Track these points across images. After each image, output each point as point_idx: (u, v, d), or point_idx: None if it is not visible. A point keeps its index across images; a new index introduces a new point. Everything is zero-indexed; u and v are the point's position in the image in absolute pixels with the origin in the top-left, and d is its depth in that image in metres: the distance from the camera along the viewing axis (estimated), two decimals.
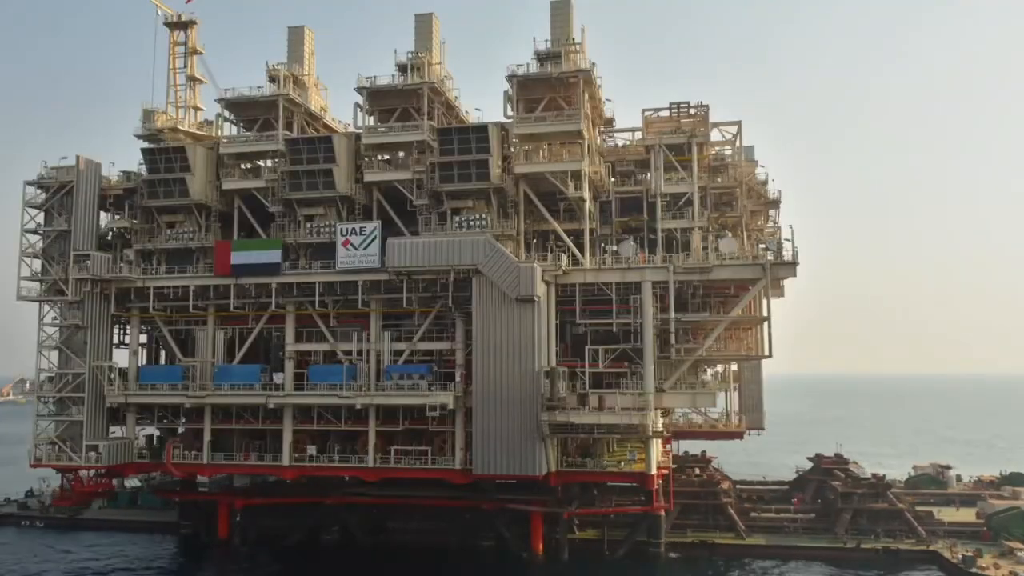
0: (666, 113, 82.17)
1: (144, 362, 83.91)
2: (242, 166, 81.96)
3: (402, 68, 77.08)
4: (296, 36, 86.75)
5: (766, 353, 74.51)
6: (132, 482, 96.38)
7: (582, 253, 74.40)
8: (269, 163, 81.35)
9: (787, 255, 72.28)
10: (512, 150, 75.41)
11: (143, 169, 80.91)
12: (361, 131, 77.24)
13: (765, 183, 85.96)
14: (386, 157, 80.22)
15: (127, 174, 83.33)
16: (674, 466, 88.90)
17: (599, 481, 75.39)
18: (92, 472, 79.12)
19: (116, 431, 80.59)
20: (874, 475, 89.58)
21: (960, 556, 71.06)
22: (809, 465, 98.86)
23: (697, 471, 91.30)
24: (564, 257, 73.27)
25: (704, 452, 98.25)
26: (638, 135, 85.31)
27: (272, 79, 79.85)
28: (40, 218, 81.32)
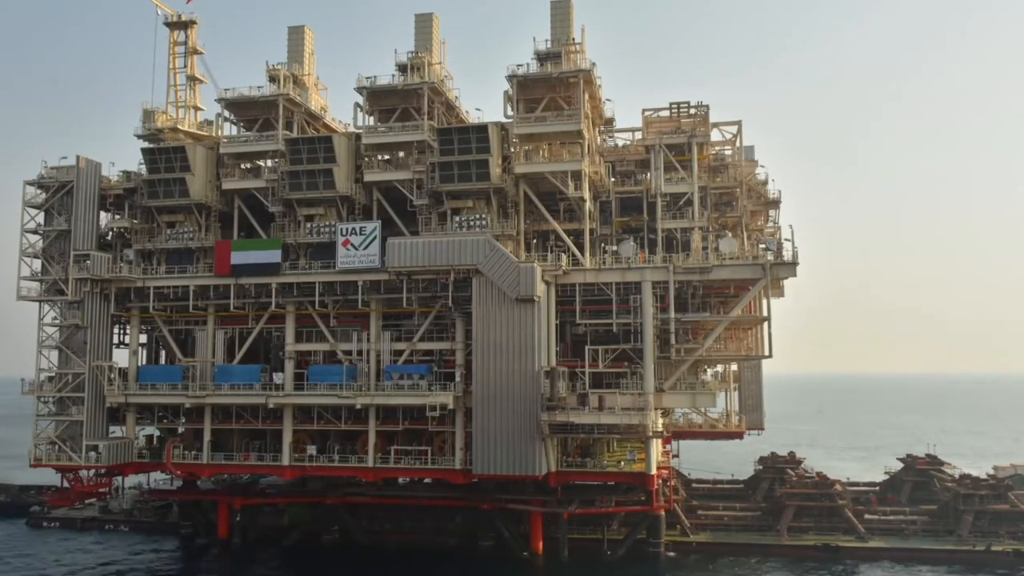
0: (666, 113, 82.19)
1: (144, 362, 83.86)
2: (242, 166, 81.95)
3: (402, 68, 77.05)
4: (296, 36, 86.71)
5: (766, 353, 74.47)
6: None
7: (582, 253, 74.40)
8: (269, 163, 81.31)
9: (787, 255, 72.26)
10: (512, 150, 75.39)
11: (143, 169, 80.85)
12: (361, 131, 77.21)
13: (765, 183, 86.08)
14: (386, 157, 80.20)
15: (127, 174, 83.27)
16: (759, 467, 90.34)
17: (599, 481, 75.37)
18: (92, 472, 79.09)
19: (116, 431, 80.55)
20: (965, 476, 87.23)
21: None
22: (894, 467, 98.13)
23: (806, 473, 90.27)
24: (564, 257, 73.26)
25: (792, 453, 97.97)
26: (638, 135, 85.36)
27: (272, 79, 79.81)
28: (40, 218, 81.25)
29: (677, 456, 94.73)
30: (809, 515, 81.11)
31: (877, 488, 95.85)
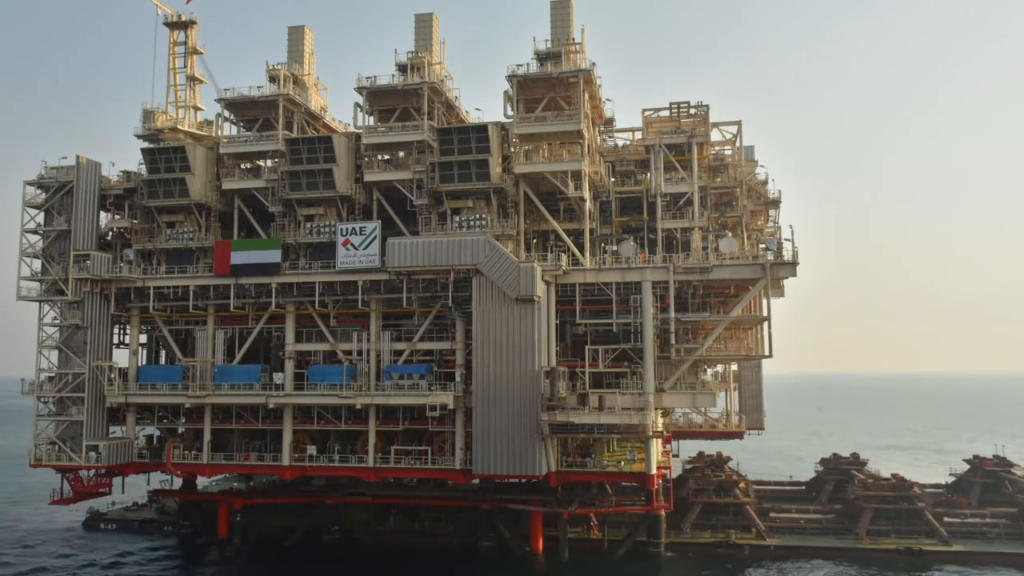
0: (666, 113, 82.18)
1: (144, 362, 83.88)
2: (242, 166, 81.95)
3: (402, 68, 77.05)
4: (296, 36, 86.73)
5: (766, 353, 74.46)
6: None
7: (582, 253, 74.39)
8: (269, 163, 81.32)
9: (787, 255, 72.27)
10: (512, 150, 75.40)
11: (143, 169, 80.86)
12: (361, 131, 77.21)
13: (765, 183, 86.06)
14: (386, 157, 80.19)
15: (127, 174, 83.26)
16: (820, 468, 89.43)
17: (599, 481, 75.42)
18: (92, 472, 79.07)
19: (116, 431, 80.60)
20: None
21: None
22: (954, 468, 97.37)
23: (876, 474, 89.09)
24: (564, 257, 73.26)
25: (856, 454, 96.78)
26: (638, 135, 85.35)
27: (272, 79, 79.83)
28: (40, 218, 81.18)
29: (731, 458, 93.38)
30: (886, 517, 79.23)
31: (943, 490, 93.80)
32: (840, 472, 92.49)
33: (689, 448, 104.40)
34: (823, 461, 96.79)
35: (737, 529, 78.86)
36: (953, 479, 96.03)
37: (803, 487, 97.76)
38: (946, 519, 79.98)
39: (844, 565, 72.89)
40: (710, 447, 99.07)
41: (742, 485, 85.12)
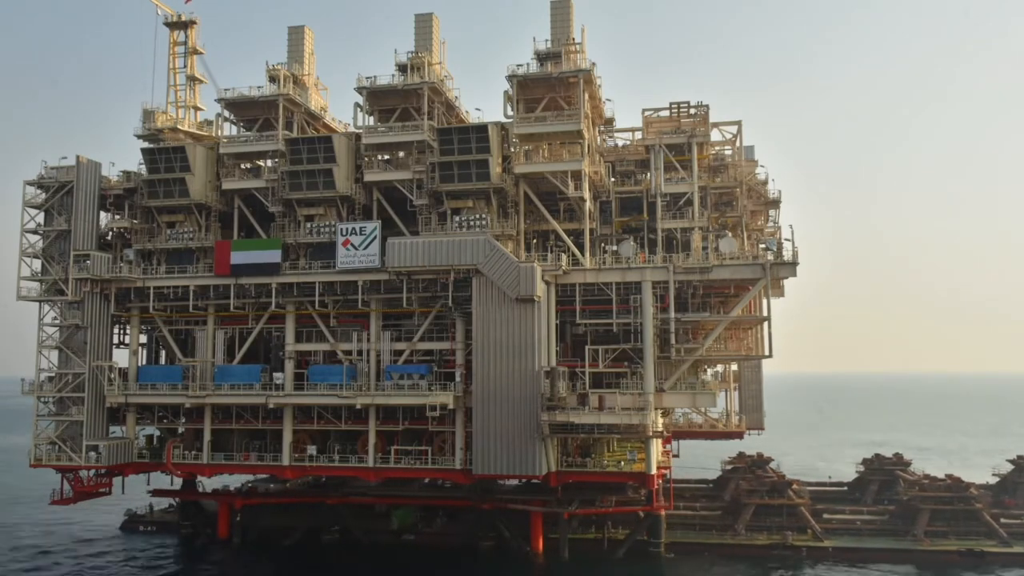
0: (666, 113, 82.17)
1: (144, 362, 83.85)
2: (242, 166, 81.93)
3: (402, 68, 77.03)
4: (296, 36, 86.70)
5: (766, 353, 74.46)
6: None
7: (582, 253, 74.38)
8: (269, 163, 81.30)
9: (787, 255, 72.26)
10: (512, 150, 75.38)
11: (143, 169, 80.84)
12: (361, 131, 77.20)
13: (765, 183, 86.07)
14: (386, 157, 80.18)
15: (127, 174, 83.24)
16: (861, 468, 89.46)
17: (599, 481, 75.42)
18: (92, 472, 79.06)
19: (116, 431, 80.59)
20: None
21: None
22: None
23: (919, 474, 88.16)
24: (564, 257, 73.24)
25: (899, 454, 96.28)
26: (638, 135, 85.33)
27: (272, 79, 79.80)
28: (40, 218, 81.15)
29: (772, 459, 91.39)
30: (942, 518, 77.94)
31: (989, 491, 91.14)
32: (884, 472, 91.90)
33: (689, 447, 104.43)
34: (865, 462, 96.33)
35: (793, 531, 77.42)
36: (997, 479, 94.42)
37: (845, 488, 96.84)
38: (1003, 520, 78.85)
39: (906, 567, 71.87)
40: (710, 447, 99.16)
41: (795, 486, 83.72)
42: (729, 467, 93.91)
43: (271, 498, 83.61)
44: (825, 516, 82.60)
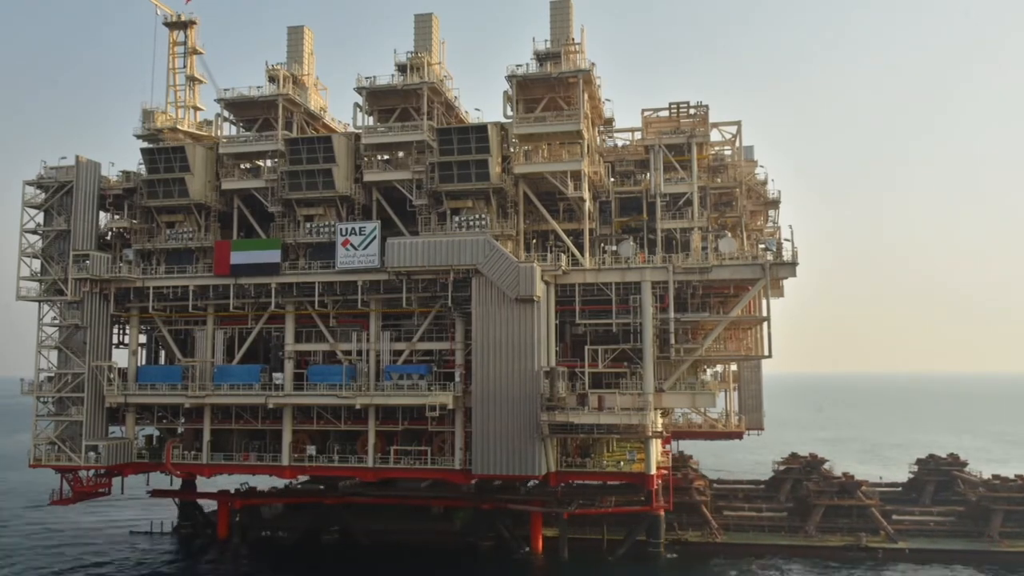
0: (665, 113, 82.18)
1: (144, 362, 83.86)
2: (242, 166, 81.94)
3: (402, 68, 77.04)
4: (296, 36, 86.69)
5: (766, 353, 74.46)
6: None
7: (582, 253, 74.39)
8: (269, 163, 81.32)
9: (787, 255, 72.28)
10: (512, 150, 75.40)
11: (143, 169, 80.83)
12: (361, 131, 77.22)
13: (765, 183, 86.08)
14: (386, 157, 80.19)
15: (127, 174, 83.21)
16: (915, 467, 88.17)
17: (599, 481, 75.37)
18: (92, 472, 79.07)
19: (116, 431, 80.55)
20: None
21: None
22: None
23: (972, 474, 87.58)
24: (564, 257, 73.26)
25: (954, 454, 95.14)
26: (638, 135, 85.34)
27: (272, 79, 79.80)
28: (40, 218, 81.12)
29: (827, 460, 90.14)
30: (1012, 519, 76.38)
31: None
32: (940, 473, 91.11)
33: (689, 448, 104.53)
34: (919, 462, 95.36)
35: (866, 532, 76.03)
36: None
37: (899, 488, 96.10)
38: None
39: (983, 568, 70.67)
40: (711, 447, 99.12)
41: (864, 487, 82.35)
42: (782, 468, 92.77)
43: (271, 498, 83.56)
44: (894, 517, 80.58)
